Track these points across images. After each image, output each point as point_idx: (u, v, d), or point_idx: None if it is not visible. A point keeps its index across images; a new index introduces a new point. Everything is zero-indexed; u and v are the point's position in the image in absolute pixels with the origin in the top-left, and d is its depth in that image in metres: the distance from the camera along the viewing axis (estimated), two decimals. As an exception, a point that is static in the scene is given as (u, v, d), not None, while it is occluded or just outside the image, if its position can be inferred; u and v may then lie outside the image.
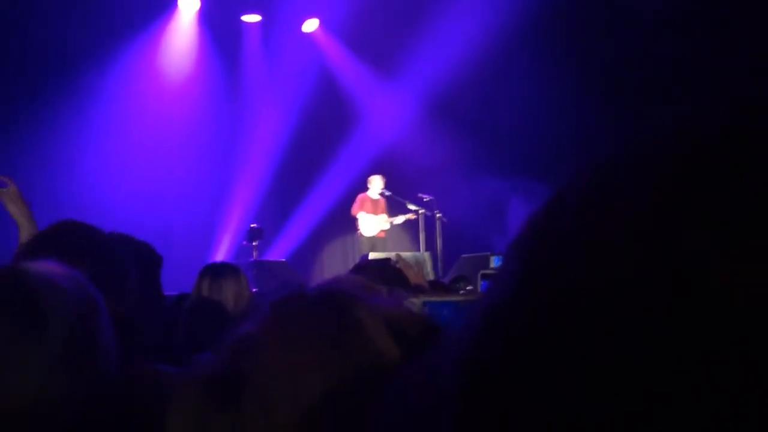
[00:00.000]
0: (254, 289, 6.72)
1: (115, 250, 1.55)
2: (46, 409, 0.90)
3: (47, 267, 1.00)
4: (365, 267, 2.22)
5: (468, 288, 5.11)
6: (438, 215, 9.20)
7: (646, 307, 0.28)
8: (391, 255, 8.50)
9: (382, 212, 9.48)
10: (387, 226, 9.50)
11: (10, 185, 2.27)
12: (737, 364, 0.25)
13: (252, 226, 9.68)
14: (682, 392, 0.26)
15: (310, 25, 11.11)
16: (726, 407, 0.25)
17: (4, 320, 0.90)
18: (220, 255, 10.17)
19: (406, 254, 8.81)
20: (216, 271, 2.76)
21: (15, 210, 2.22)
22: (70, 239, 1.52)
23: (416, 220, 9.36)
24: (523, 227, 0.35)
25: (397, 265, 2.93)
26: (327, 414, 0.61)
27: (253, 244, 9.36)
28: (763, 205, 0.27)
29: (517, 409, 0.30)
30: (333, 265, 11.56)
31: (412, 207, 9.31)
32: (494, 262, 7.05)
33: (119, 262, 1.54)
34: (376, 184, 9.49)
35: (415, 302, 0.80)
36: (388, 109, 11.28)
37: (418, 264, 8.32)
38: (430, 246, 9.18)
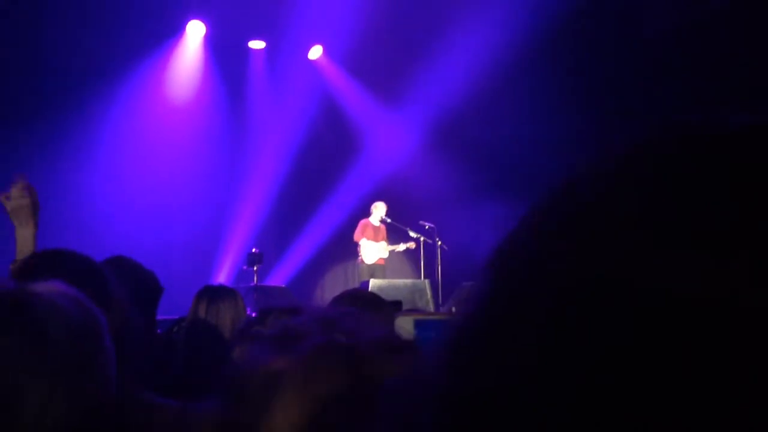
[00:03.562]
0: (253, 314, 6.70)
1: (104, 273, 1.56)
2: (46, 428, 0.91)
3: (48, 287, 1.01)
4: (341, 298, 2.22)
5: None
6: (439, 243, 9.20)
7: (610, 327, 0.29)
8: (392, 282, 8.50)
9: (383, 239, 9.47)
10: (386, 254, 9.49)
11: (28, 197, 2.22)
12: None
13: (253, 251, 9.67)
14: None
15: (315, 52, 11.22)
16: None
17: (9, 338, 0.92)
18: (221, 279, 10.14)
19: (406, 281, 8.80)
20: (213, 294, 2.75)
21: (20, 233, 2.19)
22: (59, 263, 1.53)
23: (417, 248, 9.36)
24: (492, 249, 0.36)
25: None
26: None
27: (254, 269, 9.34)
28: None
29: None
30: (334, 291, 11.51)
31: (413, 234, 9.31)
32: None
33: (105, 285, 1.55)
34: (378, 211, 9.49)
35: (407, 321, 0.80)
36: (390, 137, 11.33)
37: (418, 291, 8.32)
38: (430, 274, 9.16)
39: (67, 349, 0.94)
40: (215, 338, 2.39)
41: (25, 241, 2.17)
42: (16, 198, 2.18)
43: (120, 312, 1.55)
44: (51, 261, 1.56)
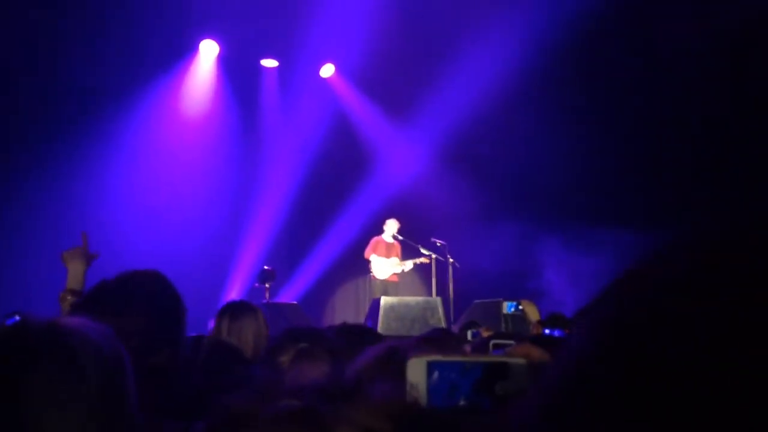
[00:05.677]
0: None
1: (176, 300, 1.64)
2: None
3: (79, 321, 1.06)
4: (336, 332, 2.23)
5: (480, 332, 4.97)
6: (451, 260, 9.18)
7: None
8: (403, 300, 8.48)
9: (395, 256, 9.47)
10: (399, 270, 9.48)
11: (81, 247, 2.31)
12: None
13: (264, 267, 9.68)
14: None
15: (327, 71, 11.30)
16: None
17: (46, 370, 0.95)
18: (233, 296, 10.15)
19: (418, 299, 8.78)
20: (235, 311, 2.78)
21: (71, 267, 2.27)
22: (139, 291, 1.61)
23: (429, 265, 9.34)
24: (604, 296, 0.37)
25: None
26: None
27: (266, 285, 9.35)
28: None
29: None
30: (345, 308, 11.52)
31: (424, 251, 9.29)
32: (506, 308, 6.92)
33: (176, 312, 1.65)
34: (390, 228, 9.49)
35: (418, 364, 0.81)
36: (402, 154, 11.37)
37: (430, 308, 8.28)
38: (442, 291, 9.14)
39: (98, 379, 0.99)
40: (234, 356, 2.40)
41: (75, 273, 2.23)
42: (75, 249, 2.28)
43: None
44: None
